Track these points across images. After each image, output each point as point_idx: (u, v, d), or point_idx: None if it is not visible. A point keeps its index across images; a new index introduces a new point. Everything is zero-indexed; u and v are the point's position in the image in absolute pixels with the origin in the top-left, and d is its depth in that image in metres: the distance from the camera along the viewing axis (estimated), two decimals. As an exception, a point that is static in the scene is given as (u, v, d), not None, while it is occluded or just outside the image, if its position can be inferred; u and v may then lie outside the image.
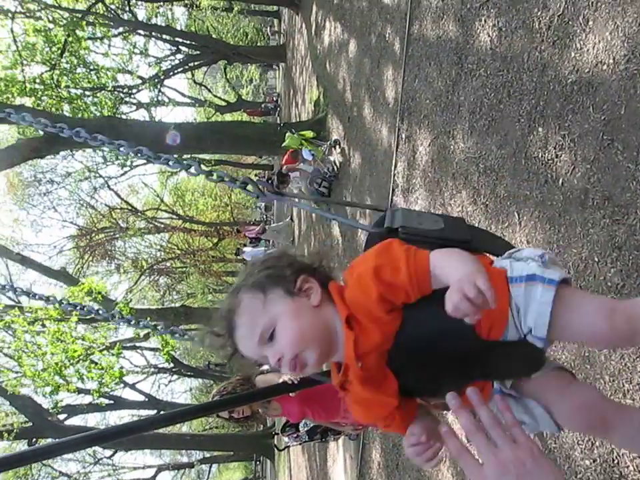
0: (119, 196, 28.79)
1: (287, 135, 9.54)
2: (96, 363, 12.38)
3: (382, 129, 6.22)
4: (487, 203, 3.50)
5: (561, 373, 1.36)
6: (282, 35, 25.81)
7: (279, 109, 26.83)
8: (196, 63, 21.33)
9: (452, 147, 4.14)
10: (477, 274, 1.07)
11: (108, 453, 22.43)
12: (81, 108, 14.28)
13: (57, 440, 1.68)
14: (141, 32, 18.53)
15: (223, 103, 26.74)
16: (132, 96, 19.19)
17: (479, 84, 3.76)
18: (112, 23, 16.17)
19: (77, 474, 24.28)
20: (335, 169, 8.84)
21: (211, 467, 34.63)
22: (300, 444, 6.06)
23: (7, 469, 1.51)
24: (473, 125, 3.80)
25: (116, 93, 17.31)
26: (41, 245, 42.13)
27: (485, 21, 3.75)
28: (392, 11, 6.09)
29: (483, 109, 3.67)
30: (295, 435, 5.23)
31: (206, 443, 20.91)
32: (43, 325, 12.01)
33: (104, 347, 12.67)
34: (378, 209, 1.54)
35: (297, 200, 1.57)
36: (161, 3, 19.98)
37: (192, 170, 1.53)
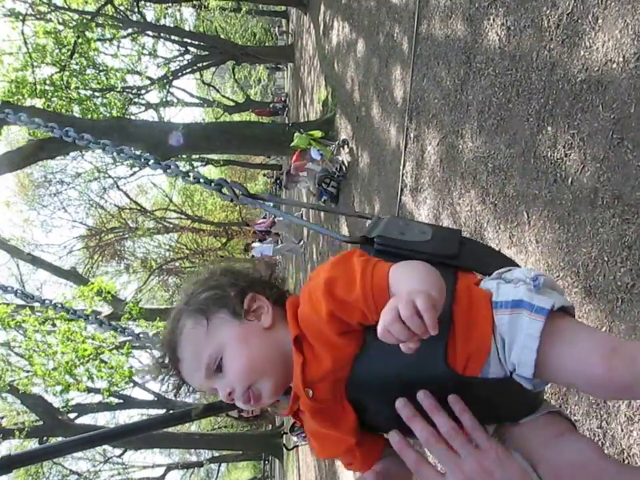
0: (128, 196, 28.95)
1: (295, 134, 9.55)
2: (106, 362, 12.47)
3: (390, 129, 6.21)
4: (496, 202, 3.49)
5: (555, 420, 1.09)
6: (290, 35, 25.84)
7: (287, 109, 26.85)
8: (204, 64, 21.39)
9: (461, 146, 4.13)
10: (420, 293, 0.88)
11: (118, 451, 22.57)
12: (91, 109, 14.38)
13: (67, 438, 1.70)
14: (150, 33, 18.62)
15: (232, 103, 26.81)
16: (141, 96, 19.28)
17: (487, 83, 3.75)
18: (121, 24, 16.26)
19: (87, 472, 24.44)
20: (344, 168, 8.85)
21: (219, 466, 34.73)
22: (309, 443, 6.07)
23: (19, 467, 1.52)
24: (481, 124, 3.79)
25: (125, 93, 17.40)
26: (51, 245, 42.49)
27: (494, 20, 3.73)
28: (400, 10, 6.09)
29: (492, 108, 3.66)
30: (304, 435, 5.24)
31: (215, 442, 21.01)
32: (54, 325, 12.12)
33: (114, 346, 12.75)
34: (364, 216, 1.37)
35: (266, 203, 1.54)
36: (170, 4, 20.05)
37: (170, 171, 1.53)
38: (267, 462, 33.24)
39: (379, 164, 6.66)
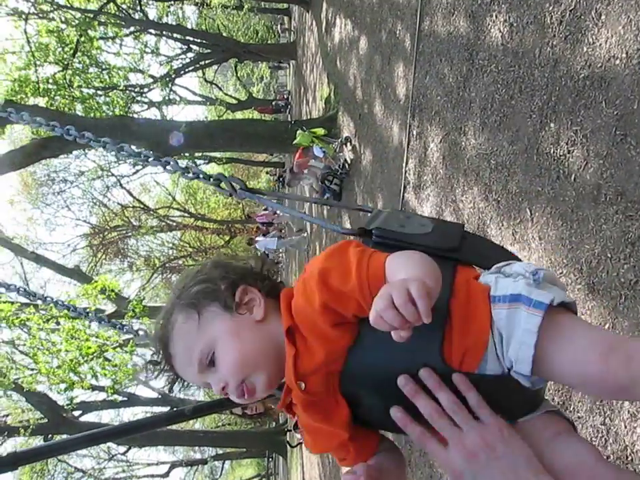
0: (131, 194, 29.03)
1: (297, 132, 9.55)
2: (109, 360, 12.52)
3: (393, 126, 6.20)
4: (499, 199, 3.48)
5: (553, 419, 1.06)
6: (292, 33, 25.82)
7: (289, 106, 26.84)
8: (207, 62, 21.40)
9: (463, 143, 4.12)
10: (414, 280, 0.87)
11: (122, 449, 22.66)
12: (93, 107, 14.41)
13: (71, 436, 1.71)
14: (152, 31, 18.62)
15: (234, 101, 26.82)
16: (143, 95, 19.32)
17: (490, 80, 3.75)
18: (123, 23, 16.27)
19: (91, 470, 24.55)
20: (346, 166, 8.84)
21: (223, 463, 34.85)
22: (312, 441, 6.06)
23: (24, 464, 1.54)
24: (484, 121, 3.78)
25: (127, 92, 17.43)
26: (54, 244, 42.61)
27: (496, 17, 3.73)
28: (402, 7, 6.08)
29: (495, 104, 3.65)
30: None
31: (219, 439, 21.07)
32: (58, 323, 12.16)
33: (117, 344, 12.79)
34: (365, 209, 1.37)
35: (265, 198, 1.55)
36: (172, 2, 20.07)
37: (169, 167, 1.54)
38: (270, 459, 33.32)
39: (381, 161, 6.66)
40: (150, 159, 1.56)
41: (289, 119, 23.39)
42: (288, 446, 17.74)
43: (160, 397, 23.53)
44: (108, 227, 28.59)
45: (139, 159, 1.58)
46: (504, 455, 0.91)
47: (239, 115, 26.42)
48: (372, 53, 7.54)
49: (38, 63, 13.42)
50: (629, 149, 2.37)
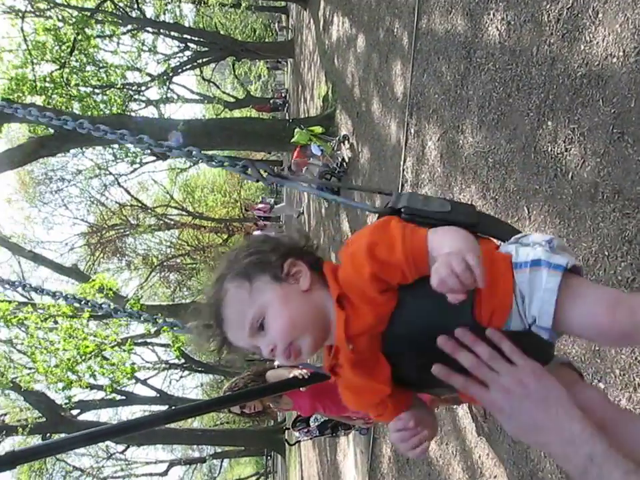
0: (129, 193, 28.95)
1: (295, 130, 9.54)
2: (107, 359, 12.50)
3: (391, 124, 6.20)
4: (497, 197, 3.49)
5: (567, 370, 1.28)
6: (290, 31, 25.78)
7: (287, 104, 26.81)
8: (204, 60, 21.34)
9: (461, 141, 4.12)
10: (468, 251, 1.03)
11: (120, 447, 22.64)
12: (91, 106, 14.36)
13: (70, 435, 1.71)
14: (150, 29, 18.56)
15: (232, 99, 26.76)
16: (141, 93, 19.26)
17: (487, 78, 3.75)
18: (120, 21, 16.21)
19: (90, 468, 24.54)
20: (344, 164, 8.84)
21: (222, 461, 34.83)
22: (311, 439, 6.09)
23: (22, 463, 1.54)
24: (482, 119, 3.79)
25: (125, 90, 17.37)
26: (52, 242, 42.56)
27: (494, 15, 3.73)
28: (400, 5, 6.07)
29: (492, 103, 3.65)
30: (306, 430, 5.25)
31: (217, 438, 21.07)
32: (56, 322, 12.14)
33: (115, 343, 12.77)
34: (384, 192, 1.50)
35: (300, 184, 1.57)
36: (169, 0, 20.02)
37: (194, 155, 1.55)
38: (269, 457, 33.34)
39: (379, 159, 6.66)
40: (173, 149, 1.58)
41: (287, 117, 23.35)
42: (286, 444, 17.75)
43: (158, 395, 23.55)
44: (106, 226, 28.54)
45: (162, 149, 1.60)
46: (535, 390, 1.03)
47: (236, 114, 26.35)
48: (369, 51, 7.54)
49: (35, 61, 13.36)
50: (626, 147, 2.37)
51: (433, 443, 4.33)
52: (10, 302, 11.57)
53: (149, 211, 30.09)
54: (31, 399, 14.53)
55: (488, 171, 3.63)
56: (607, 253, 2.44)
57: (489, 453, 3.41)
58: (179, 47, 21.39)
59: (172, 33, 19.58)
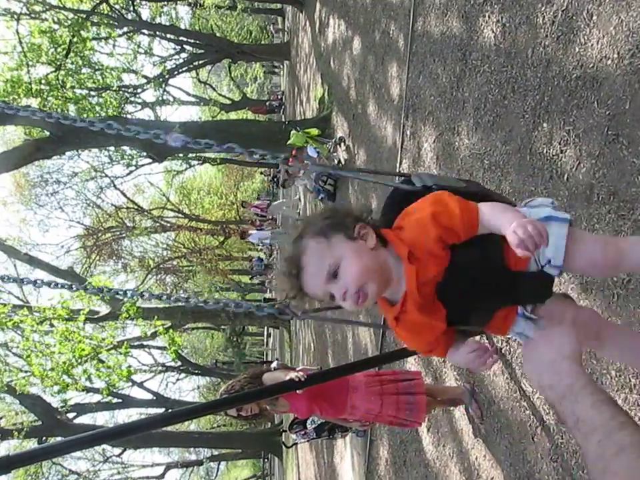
0: (125, 195, 28.87)
1: (292, 132, 9.55)
2: (104, 362, 12.46)
3: (387, 126, 6.21)
4: (492, 199, 3.49)
5: (567, 299, 1.70)
6: (286, 33, 25.80)
7: (283, 106, 26.83)
8: (200, 62, 21.34)
9: (457, 143, 4.13)
10: (530, 220, 1.30)
11: (117, 451, 22.57)
12: (87, 108, 14.33)
13: (66, 438, 1.70)
14: (145, 31, 18.55)
15: (228, 102, 26.78)
16: (137, 95, 19.24)
17: (483, 80, 3.76)
18: (116, 23, 16.20)
19: (86, 472, 24.43)
20: (340, 166, 8.84)
21: (219, 464, 34.77)
22: (308, 441, 6.08)
23: (18, 467, 1.53)
24: (477, 121, 3.80)
25: (121, 92, 17.35)
26: (48, 245, 42.45)
27: (489, 17, 3.74)
28: (396, 7, 6.09)
29: (488, 105, 3.66)
30: (303, 432, 5.25)
31: (214, 440, 20.99)
32: (51, 325, 12.10)
33: (112, 345, 12.74)
34: (403, 174, 1.78)
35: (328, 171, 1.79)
36: (165, 3, 20.01)
37: (235, 150, 1.70)
38: (266, 460, 33.29)
39: (375, 161, 6.67)
40: (213, 146, 1.72)
41: (283, 119, 23.37)
42: (283, 447, 17.71)
43: (155, 398, 23.48)
44: (102, 228, 28.44)
45: (201, 146, 1.74)
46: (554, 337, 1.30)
47: (232, 116, 26.38)
48: (365, 53, 7.55)
49: (30, 63, 13.33)
50: (621, 148, 2.38)
51: (430, 445, 4.33)
52: (5, 305, 11.52)
53: (145, 213, 30.03)
54: (27, 402, 14.46)
55: (484, 172, 3.64)
56: (602, 254, 2.44)
57: (486, 455, 3.41)
58: (174, 49, 21.41)
59: (168, 35, 19.59)
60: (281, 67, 29.88)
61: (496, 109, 3.55)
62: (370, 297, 1.43)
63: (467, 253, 1.44)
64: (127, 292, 2.30)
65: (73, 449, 1.72)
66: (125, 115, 15.70)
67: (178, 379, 32.55)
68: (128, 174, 25.73)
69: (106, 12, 15.44)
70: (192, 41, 19.71)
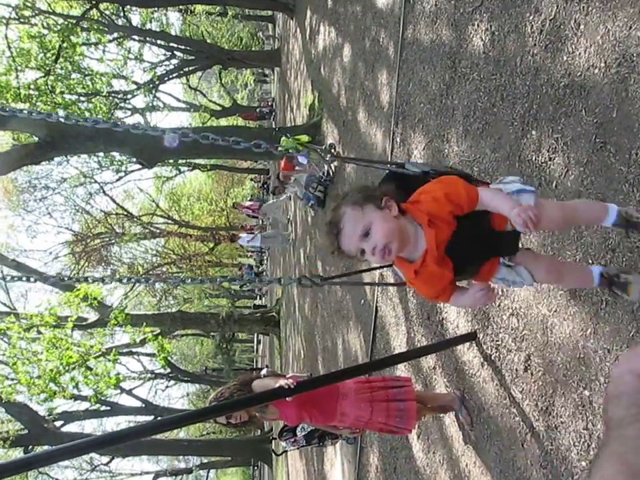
0: (114, 201, 28.75)
1: (282, 139, 9.55)
2: (92, 369, 12.33)
3: (377, 133, 6.24)
4: (482, 206, 3.51)
5: (531, 250, 2.42)
6: (276, 40, 25.87)
7: (274, 113, 26.86)
8: (191, 68, 21.33)
9: (446, 150, 4.15)
10: (529, 206, 1.79)
11: (105, 459, 22.28)
12: (76, 114, 14.26)
13: (53, 447, 1.68)
14: (136, 37, 18.52)
15: (218, 108, 26.77)
16: (127, 101, 19.22)
17: (472, 88, 3.79)
18: (106, 29, 16.16)
19: (73, 481, 24.14)
20: (331, 173, 8.86)
21: (208, 472, 34.48)
22: (297, 448, 6.05)
23: (4, 477, 1.50)
24: (467, 129, 3.82)
25: (111, 98, 17.31)
26: (36, 251, 42.17)
27: (478, 25, 3.77)
28: (386, 15, 6.12)
29: (477, 112, 3.69)
30: (293, 440, 5.22)
31: (203, 448, 20.82)
32: (39, 332, 11.97)
33: (100, 353, 12.62)
34: (397, 163, 2.25)
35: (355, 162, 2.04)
36: (156, 9, 19.99)
37: (262, 147, 2.07)
38: (255, 468, 33.08)
39: (365, 168, 6.68)
40: (241, 143, 2.12)
41: (273, 126, 23.39)
42: (273, 454, 17.61)
43: (144, 406, 23.28)
44: (91, 234, 28.29)
45: (228, 143, 2.02)
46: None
47: (223, 122, 26.35)
48: (355, 60, 7.58)
49: (19, 68, 13.26)
50: (609, 156, 2.41)
51: (420, 452, 4.32)
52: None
53: (135, 219, 29.91)
54: (13, 410, 14.28)
55: (473, 179, 3.66)
56: (590, 262, 2.46)
57: (476, 461, 3.41)
58: (165, 55, 21.39)
59: (158, 41, 19.57)
60: (272, 73, 29.93)
61: (485, 117, 3.57)
62: (393, 252, 1.86)
63: (468, 222, 1.91)
64: (105, 279, 2.33)
65: (60, 458, 1.70)
66: (114, 121, 15.62)
67: (167, 386, 32.35)
68: (117, 180, 25.67)
69: (96, 17, 15.41)
70: (182, 47, 19.71)
